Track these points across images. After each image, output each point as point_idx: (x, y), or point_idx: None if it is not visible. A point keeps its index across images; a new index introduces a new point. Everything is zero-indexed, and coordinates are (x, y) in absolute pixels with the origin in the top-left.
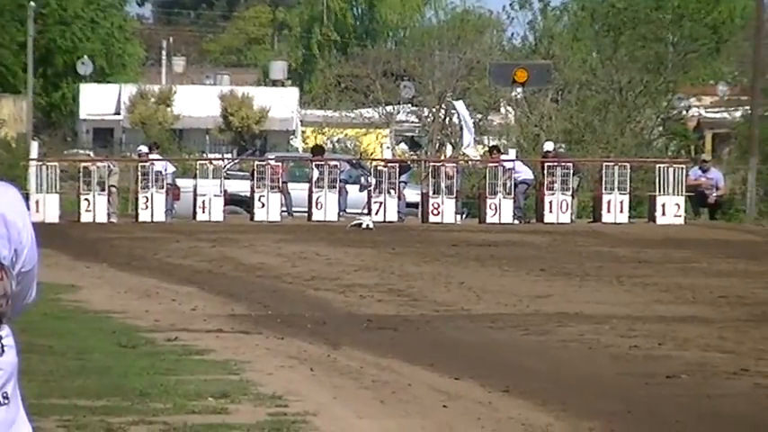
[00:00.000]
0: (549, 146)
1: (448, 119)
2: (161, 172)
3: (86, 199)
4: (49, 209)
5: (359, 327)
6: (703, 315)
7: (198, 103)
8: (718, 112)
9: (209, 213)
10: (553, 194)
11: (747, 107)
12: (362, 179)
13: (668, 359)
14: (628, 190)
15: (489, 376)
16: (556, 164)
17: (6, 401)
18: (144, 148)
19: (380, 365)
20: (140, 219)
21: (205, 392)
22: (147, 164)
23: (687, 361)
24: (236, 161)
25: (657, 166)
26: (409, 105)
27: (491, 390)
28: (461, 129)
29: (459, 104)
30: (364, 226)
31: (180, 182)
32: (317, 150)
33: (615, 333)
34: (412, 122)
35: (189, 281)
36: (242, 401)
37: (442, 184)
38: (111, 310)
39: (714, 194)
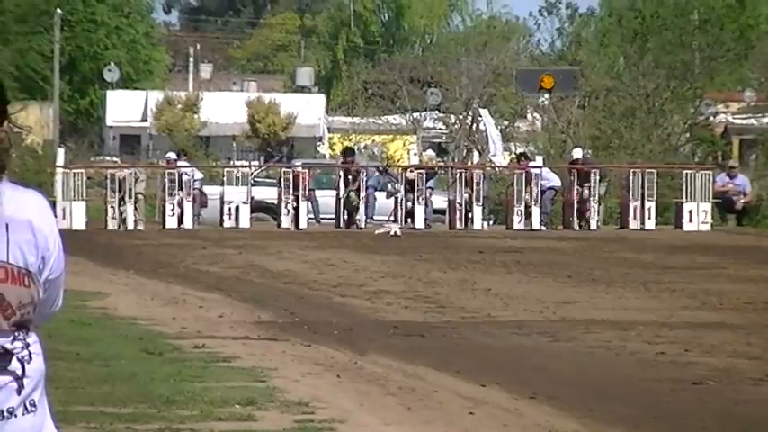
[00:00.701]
0: (577, 153)
1: (475, 125)
2: (189, 179)
3: (113, 206)
4: (76, 216)
5: (385, 333)
6: (730, 321)
7: (225, 109)
8: (745, 118)
9: (236, 220)
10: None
11: None
12: (390, 186)
13: (695, 365)
14: (654, 196)
15: (515, 383)
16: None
17: (34, 409)
18: (172, 155)
19: (407, 372)
20: (167, 226)
21: (231, 399)
22: (175, 171)
23: (714, 367)
24: (262, 168)
25: (684, 172)
26: (436, 112)
27: (517, 396)
28: (487, 137)
29: (485, 113)
30: (392, 233)
31: (207, 189)
32: (348, 152)
33: (641, 339)
34: (439, 129)
35: (215, 288)
36: (268, 408)
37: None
38: (138, 316)
39: (741, 201)
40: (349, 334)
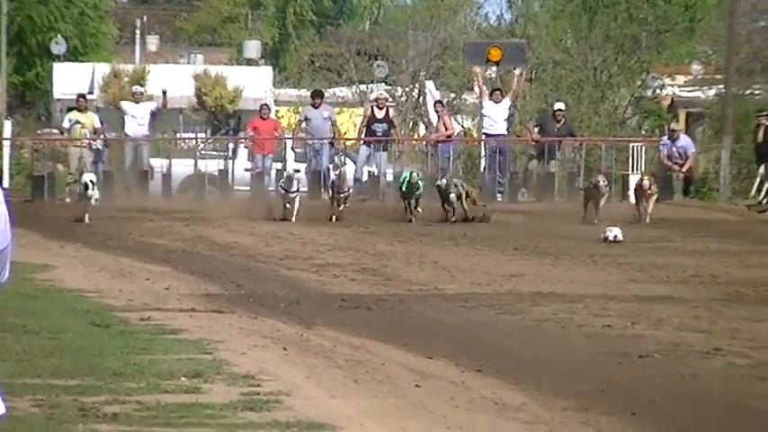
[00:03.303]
0: (560, 104)
1: (422, 98)
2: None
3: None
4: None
5: (332, 306)
6: (677, 294)
7: (171, 82)
8: (692, 91)
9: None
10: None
11: (721, 86)
12: (336, 159)
13: (642, 338)
14: (601, 169)
15: (462, 355)
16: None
17: None
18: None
19: (354, 345)
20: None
21: (178, 372)
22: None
23: (661, 340)
24: (209, 140)
25: (631, 145)
26: (383, 84)
27: (464, 369)
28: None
29: (430, 85)
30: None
31: (153, 161)
32: (317, 94)
33: (589, 312)
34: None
35: (163, 260)
36: (215, 381)
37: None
38: (85, 289)
39: (682, 170)
40: (296, 307)
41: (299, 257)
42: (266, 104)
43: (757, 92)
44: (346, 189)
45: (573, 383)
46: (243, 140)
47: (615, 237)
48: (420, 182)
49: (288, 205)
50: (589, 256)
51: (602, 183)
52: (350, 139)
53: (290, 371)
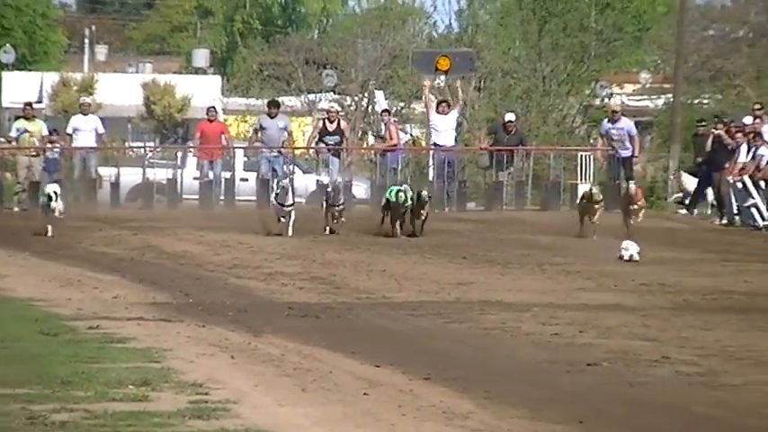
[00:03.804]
0: (510, 116)
1: (370, 107)
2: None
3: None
4: None
5: (280, 314)
6: (626, 303)
7: (120, 91)
8: (640, 99)
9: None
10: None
11: (670, 95)
12: (286, 167)
13: (590, 347)
14: (551, 178)
15: (411, 364)
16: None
17: None
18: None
19: (302, 353)
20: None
21: (126, 380)
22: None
23: (609, 349)
24: (158, 149)
25: (579, 153)
26: (332, 93)
27: (412, 377)
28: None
29: (379, 95)
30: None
31: (102, 170)
32: (274, 104)
33: (537, 321)
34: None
35: (112, 269)
36: (163, 389)
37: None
38: (34, 298)
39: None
40: (244, 315)
41: (248, 266)
42: (213, 107)
43: (705, 101)
44: (341, 201)
45: (521, 392)
46: (191, 149)
47: (631, 256)
48: (408, 199)
49: (282, 219)
50: (538, 264)
51: (595, 191)
52: (299, 148)
53: (238, 379)
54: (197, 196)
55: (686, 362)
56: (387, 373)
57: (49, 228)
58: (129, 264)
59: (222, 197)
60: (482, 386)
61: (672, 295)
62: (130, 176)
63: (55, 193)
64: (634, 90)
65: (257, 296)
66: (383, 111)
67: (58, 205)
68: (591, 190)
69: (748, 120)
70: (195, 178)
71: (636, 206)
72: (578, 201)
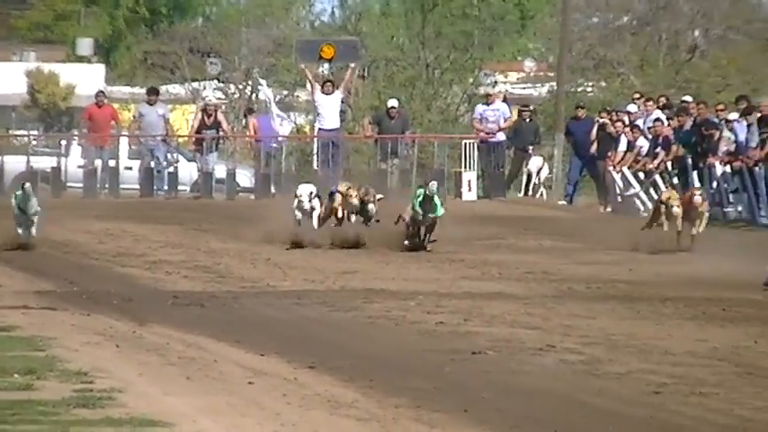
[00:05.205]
0: (393, 102)
1: (254, 95)
2: None
3: None
4: None
5: (165, 303)
6: (510, 291)
7: (4, 79)
8: (525, 88)
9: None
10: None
11: (554, 83)
12: (169, 155)
13: (474, 335)
14: (435, 166)
15: (295, 353)
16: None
17: None
18: None
19: (187, 342)
20: None
21: (11, 369)
22: None
23: (494, 337)
24: (42, 137)
25: (463, 142)
26: (216, 82)
27: (297, 366)
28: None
29: (264, 83)
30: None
31: None
32: (153, 91)
33: (422, 309)
34: (219, 99)
35: None
36: (48, 378)
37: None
38: None
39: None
40: (129, 304)
41: (132, 255)
42: (102, 91)
43: (590, 89)
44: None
45: (406, 380)
46: (76, 137)
47: None
48: (438, 201)
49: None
50: (422, 253)
51: (697, 197)
52: (182, 136)
53: (123, 368)
54: (81, 185)
55: (570, 350)
56: (272, 362)
57: None
58: (13, 253)
59: (107, 186)
60: (367, 375)
61: (556, 284)
62: (14, 164)
63: None
64: (518, 78)
65: (142, 285)
66: (247, 109)
67: None
68: (693, 195)
69: (633, 108)
70: (80, 166)
71: (700, 215)
72: (657, 205)
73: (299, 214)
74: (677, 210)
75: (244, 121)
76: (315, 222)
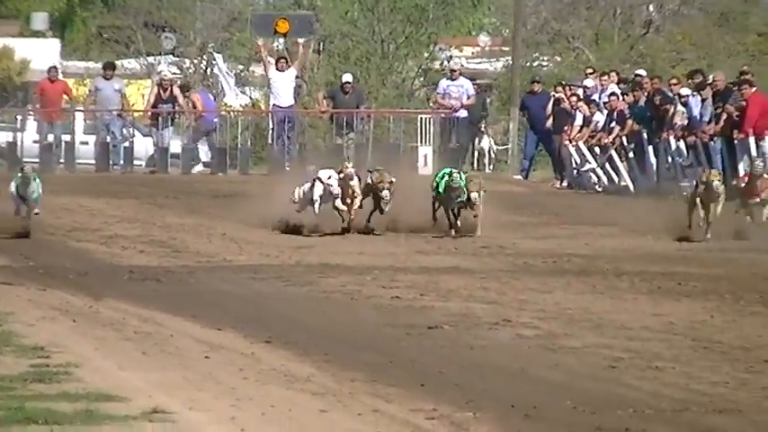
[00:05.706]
0: (347, 77)
1: (209, 70)
2: None
3: None
4: None
5: (121, 278)
6: (466, 266)
7: None
8: (480, 62)
9: None
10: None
11: (509, 58)
12: (125, 130)
13: (430, 310)
14: (390, 141)
15: (251, 327)
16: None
17: None
18: None
19: (142, 317)
20: None
21: None
22: None
23: (450, 312)
24: None
25: (419, 116)
26: (171, 56)
27: (253, 341)
28: (219, 81)
29: (218, 57)
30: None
31: None
32: (109, 66)
33: (377, 284)
34: (174, 73)
35: None
36: (4, 353)
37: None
38: None
39: (465, 103)
40: (85, 278)
41: (88, 229)
42: (55, 66)
43: (545, 63)
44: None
45: (362, 355)
46: (31, 113)
47: None
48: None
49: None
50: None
51: (716, 182)
52: (138, 111)
53: (79, 343)
54: (37, 160)
55: (526, 325)
56: (228, 337)
57: None
58: None
59: (62, 160)
60: (322, 349)
61: (512, 258)
62: None
63: None
64: (473, 53)
65: (98, 260)
66: (181, 85)
67: None
68: (711, 179)
69: (590, 83)
70: (35, 141)
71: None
72: (695, 188)
73: (317, 199)
74: (720, 186)
75: (181, 98)
76: (316, 208)
